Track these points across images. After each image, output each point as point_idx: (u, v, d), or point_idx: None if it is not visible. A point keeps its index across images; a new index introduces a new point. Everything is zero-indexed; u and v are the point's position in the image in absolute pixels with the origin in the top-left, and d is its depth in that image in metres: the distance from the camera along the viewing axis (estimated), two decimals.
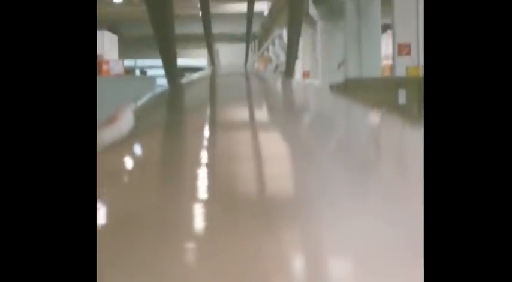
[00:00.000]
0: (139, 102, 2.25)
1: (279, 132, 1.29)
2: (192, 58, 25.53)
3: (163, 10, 3.00)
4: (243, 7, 21.36)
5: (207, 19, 7.80)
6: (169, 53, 3.41)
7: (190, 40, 25.92)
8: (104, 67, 9.73)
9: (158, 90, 3.57)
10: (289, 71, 4.46)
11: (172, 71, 3.52)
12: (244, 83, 3.57)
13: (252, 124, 1.48)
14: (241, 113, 1.69)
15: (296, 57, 4.54)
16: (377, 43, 12.24)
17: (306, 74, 19.39)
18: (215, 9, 27.09)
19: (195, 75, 4.21)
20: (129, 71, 14.83)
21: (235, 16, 26.51)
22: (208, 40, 8.96)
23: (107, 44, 19.75)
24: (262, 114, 1.76)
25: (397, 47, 9.90)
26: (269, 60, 26.13)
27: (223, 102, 1.98)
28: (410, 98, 8.60)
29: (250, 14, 9.96)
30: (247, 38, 12.02)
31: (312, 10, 15.82)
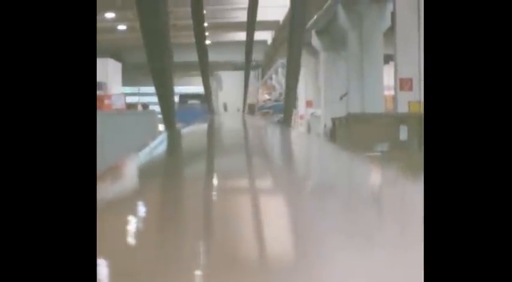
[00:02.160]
0: (140, 154, 2.23)
1: (278, 197, 1.28)
2: (192, 85, 25.67)
3: (160, 40, 2.96)
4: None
5: (202, 48, 7.82)
6: (165, 85, 3.35)
7: (190, 67, 26.03)
8: (106, 101, 9.73)
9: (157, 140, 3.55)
10: (286, 120, 4.50)
11: (169, 106, 3.48)
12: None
13: (252, 189, 1.47)
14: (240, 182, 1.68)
15: (294, 107, 4.62)
16: (379, 76, 12.27)
17: (308, 104, 19.41)
18: (218, 37, 27.27)
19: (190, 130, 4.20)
20: (132, 105, 14.88)
21: (238, 44, 26.63)
22: (203, 69, 8.94)
23: (110, 72, 19.85)
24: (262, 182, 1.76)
25: (399, 81, 9.90)
26: (272, 88, 26.25)
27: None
28: (412, 134, 8.58)
29: (247, 69, 9.94)
30: (245, 90, 11.87)
31: (315, 41, 15.90)
